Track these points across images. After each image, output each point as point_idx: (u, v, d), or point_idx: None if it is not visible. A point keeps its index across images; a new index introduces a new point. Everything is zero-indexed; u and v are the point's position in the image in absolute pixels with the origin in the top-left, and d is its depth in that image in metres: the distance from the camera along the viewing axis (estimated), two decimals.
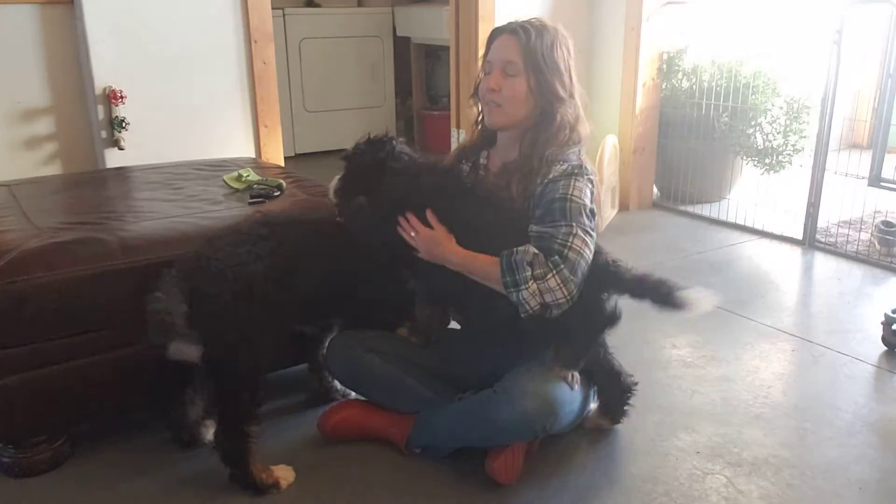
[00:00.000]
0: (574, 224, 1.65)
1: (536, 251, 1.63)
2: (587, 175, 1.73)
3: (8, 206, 2.12)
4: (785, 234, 3.58)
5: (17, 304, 1.68)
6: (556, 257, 1.61)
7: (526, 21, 1.78)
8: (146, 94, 2.99)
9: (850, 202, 3.55)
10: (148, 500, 1.74)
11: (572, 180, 1.70)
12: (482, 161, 1.93)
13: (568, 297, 1.62)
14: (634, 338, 2.55)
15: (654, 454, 1.90)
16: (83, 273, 1.74)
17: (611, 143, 3.80)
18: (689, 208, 4.00)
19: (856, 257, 3.28)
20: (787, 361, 2.41)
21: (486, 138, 1.94)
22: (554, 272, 1.60)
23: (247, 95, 3.24)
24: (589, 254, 1.66)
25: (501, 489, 1.75)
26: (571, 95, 1.79)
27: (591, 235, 1.68)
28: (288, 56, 4.98)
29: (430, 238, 1.72)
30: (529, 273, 1.60)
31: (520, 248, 1.63)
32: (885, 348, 2.44)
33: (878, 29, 3.62)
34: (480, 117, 1.91)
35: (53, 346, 1.74)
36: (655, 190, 4.23)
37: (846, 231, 3.48)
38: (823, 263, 3.30)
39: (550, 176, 1.71)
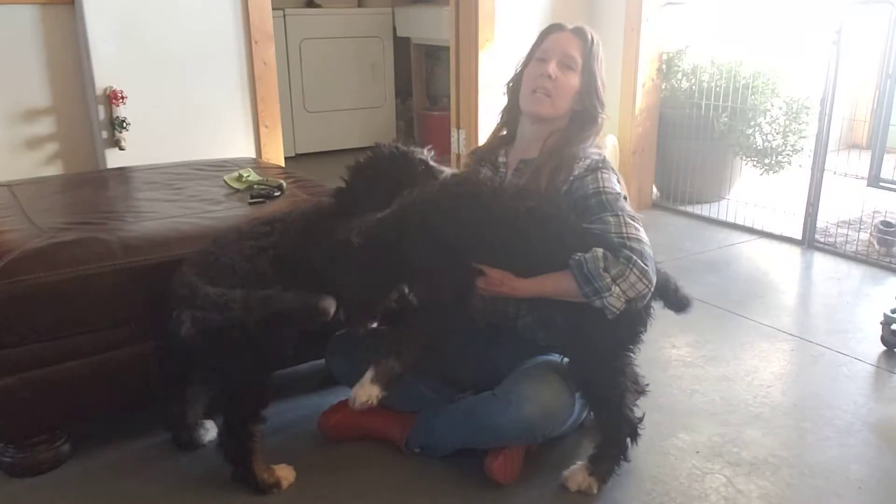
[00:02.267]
0: (620, 214, 1.63)
1: (605, 252, 1.56)
2: (609, 166, 1.75)
3: (9, 206, 2.13)
4: (784, 234, 3.58)
5: (17, 304, 1.68)
6: (625, 251, 1.57)
7: (584, 27, 1.85)
8: (147, 95, 2.99)
9: (850, 202, 3.56)
10: (148, 500, 1.75)
11: (598, 174, 1.71)
12: (501, 160, 1.93)
13: (650, 286, 1.58)
14: None
15: (653, 454, 1.90)
16: (84, 273, 1.74)
17: (611, 144, 3.81)
18: (689, 208, 4.00)
19: (855, 257, 3.29)
20: (786, 361, 2.42)
21: (504, 137, 1.95)
22: (631, 267, 1.55)
23: (247, 95, 3.24)
24: (645, 236, 1.62)
25: (501, 489, 1.75)
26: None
27: (636, 220, 1.65)
28: (288, 56, 4.99)
29: (490, 283, 1.66)
30: (609, 278, 1.54)
31: (587, 256, 1.55)
32: (885, 348, 2.44)
33: (878, 29, 3.62)
34: (505, 109, 1.93)
35: (54, 346, 1.74)
36: (655, 190, 4.23)
37: (845, 231, 3.49)
38: (822, 263, 3.30)
39: (575, 173, 1.73)
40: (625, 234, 1.59)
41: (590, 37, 1.83)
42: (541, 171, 1.76)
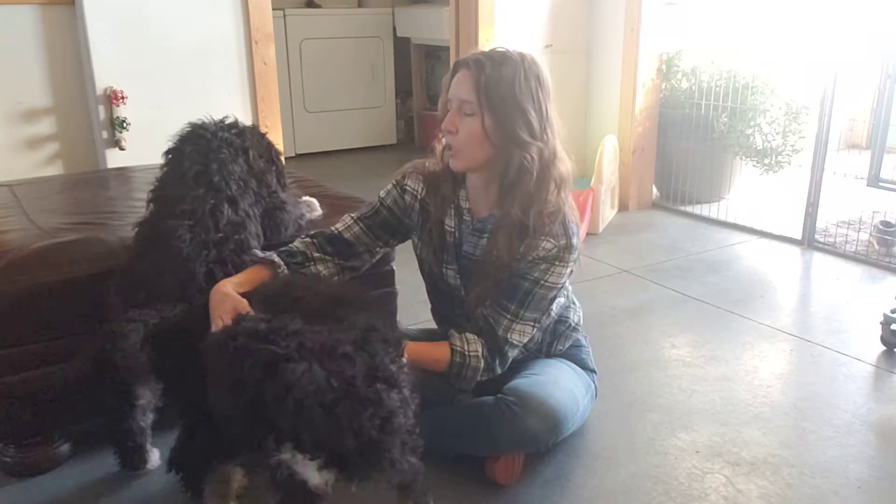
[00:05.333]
0: (520, 318, 1.66)
1: (484, 356, 1.65)
2: (571, 256, 1.66)
3: (9, 206, 2.13)
4: (784, 234, 3.58)
5: (17, 304, 1.68)
6: (496, 362, 1.67)
7: (485, 52, 1.61)
8: (147, 95, 2.99)
9: (849, 202, 3.57)
10: (149, 500, 1.75)
11: (550, 267, 1.64)
12: (463, 204, 1.76)
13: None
14: (634, 338, 2.56)
15: (653, 454, 1.90)
16: (85, 273, 1.74)
17: (610, 144, 3.81)
18: (689, 208, 4.00)
19: (854, 257, 3.29)
20: (786, 361, 2.42)
21: (453, 177, 1.76)
22: (492, 374, 1.69)
23: (247, 96, 3.24)
24: (525, 338, 1.70)
25: (501, 490, 1.75)
26: (539, 136, 1.60)
27: (536, 325, 1.70)
28: (288, 56, 4.99)
29: None
30: (476, 380, 1.68)
31: (471, 354, 1.64)
32: (884, 348, 2.45)
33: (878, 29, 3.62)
34: (445, 151, 1.74)
35: (56, 346, 1.74)
36: (655, 190, 4.24)
37: (845, 231, 3.49)
38: (822, 263, 3.30)
39: (539, 254, 1.64)
40: (507, 339, 1.66)
41: (475, 67, 1.57)
42: (497, 234, 1.66)
